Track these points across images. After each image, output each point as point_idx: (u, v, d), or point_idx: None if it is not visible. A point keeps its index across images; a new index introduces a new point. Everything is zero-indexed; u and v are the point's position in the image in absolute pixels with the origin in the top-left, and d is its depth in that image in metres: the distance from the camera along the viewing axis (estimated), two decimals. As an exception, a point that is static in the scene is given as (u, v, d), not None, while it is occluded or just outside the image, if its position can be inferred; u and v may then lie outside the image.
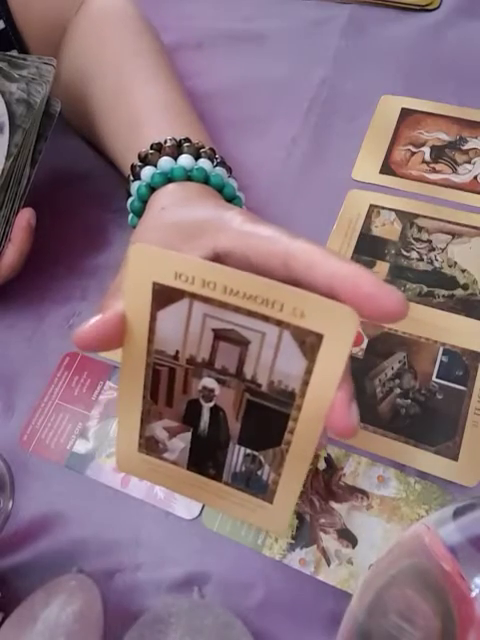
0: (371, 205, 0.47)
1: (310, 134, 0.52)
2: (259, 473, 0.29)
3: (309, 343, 0.23)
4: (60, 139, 0.51)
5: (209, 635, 0.31)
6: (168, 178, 0.36)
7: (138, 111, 0.43)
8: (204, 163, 0.38)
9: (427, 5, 0.58)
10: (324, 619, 0.33)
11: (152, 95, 0.43)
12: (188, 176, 0.37)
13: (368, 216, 0.47)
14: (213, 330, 0.25)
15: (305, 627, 0.33)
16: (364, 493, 0.36)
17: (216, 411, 0.28)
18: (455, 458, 0.37)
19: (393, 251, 0.45)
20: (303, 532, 0.35)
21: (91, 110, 0.46)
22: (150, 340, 0.26)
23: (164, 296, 0.24)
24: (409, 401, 0.39)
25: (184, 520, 0.37)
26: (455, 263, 0.44)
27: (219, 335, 0.25)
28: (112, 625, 0.33)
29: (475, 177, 0.48)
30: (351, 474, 0.37)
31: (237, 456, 0.29)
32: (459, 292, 0.43)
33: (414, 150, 0.50)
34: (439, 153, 0.49)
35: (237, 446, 0.29)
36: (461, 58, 0.55)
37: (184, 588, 0.35)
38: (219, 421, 0.28)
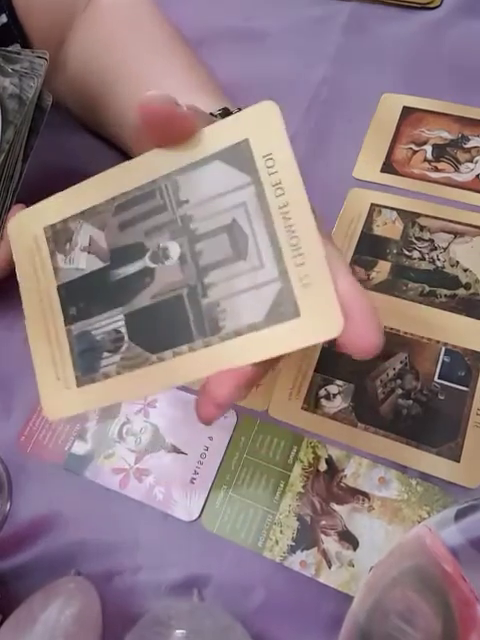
0: (372, 204, 0.47)
1: (311, 133, 0.51)
2: (104, 356, 0.25)
3: (283, 311, 0.22)
4: (61, 136, 0.51)
5: (209, 638, 0.31)
6: None
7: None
8: None
9: (428, 3, 0.58)
10: (325, 622, 0.33)
11: (176, 84, 0.43)
12: None
13: (369, 215, 0.47)
14: (233, 219, 0.24)
15: (306, 630, 0.33)
16: (365, 495, 0.36)
17: (146, 272, 0.25)
18: (457, 459, 0.36)
19: (395, 250, 0.45)
20: (304, 534, 0.35)
21: (105, 104, 0.46)
22: (183, 170, 0.25)
23: (238, 156, 0.24)
24: (411, 402, 0.39)
25: (183, 522, 0.36)
26: (457, 262, 0.44)
27: (232, 228, 0.24)
28: (111, 627, 0.33)
29: (477, 176, 0.47)
30: (352, 475, 0.37)
31: (108, 323, 0.26)
32: (461, 292, 0.42)
33: (416, 148, 0.50)
34: (441, 152, 0.49)
35: (118, 316, 0.26)
36: (462, 56, 0.55)
37: (184, 590, 0.35)
38: (138, 283, 0.25)
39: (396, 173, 0.49)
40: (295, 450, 0.38)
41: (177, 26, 0.49)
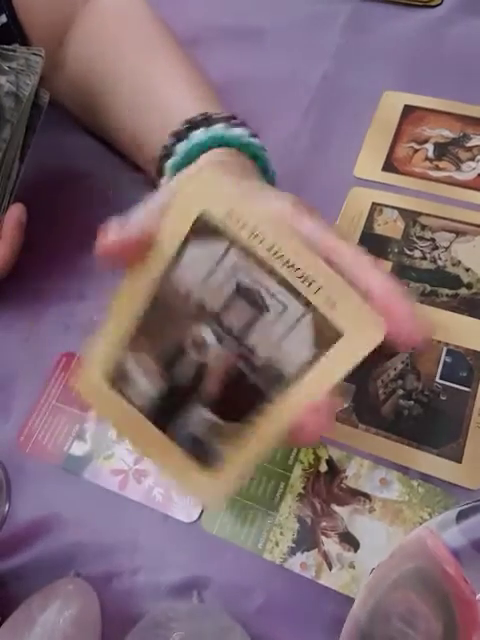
0: (373, 203, 0.47)
1: (311, 131, 0.51)
2: (213, 442, 0.27)
3: (327, 336, 0.23)
4: (60, 136, 0.50)
5: (209, 640, 0.31)
6: (219, 144, 0.37)
7: (167, 105, 0.43)
8: (254, 139, 0.39)
9: (429, 1, 0.58)
10: (325, 623, 0.33)
11: (176, 88, 0.44)
12: (240, 144, 0.37)
13: (370, 214, 0.46)
14: (237, 284, 0.24)
15: (306, 632, 0.33)
16: (366, 496, 0.36)
17: (201, 368, 0.27)
18: (459, 460, 0.36)
19: (396, 250, 0.44)
20: (304, 536, 0.35)
21: (105, 104, 0.46)
22: (169, 268, 0.25)
23: (205, 229, 0.24)
24: (412, 402, 0.38)
25: (183, 523, 0.36)
26: (459, 262, 0.43)
27: (241, 291, 0.24)
28: (111, 629, 0.33)
29: (479, 174, 0.47)
30: (353, 477, 0.36)
31: (198, 417, 0.28)
32: (463, 291, 0.42)
33: (417, 147, 0.49)
34: (442, 150, 0.49)
35: (202, 409, 0.27)
36: (464, 54, 0.54)
37: (183, 592, 0.34)
38: (200, 377, 0.27)
39: (397, 172, 0.48)
40: (295, 451, 0.37)
41: (170, 25, 0.49)
